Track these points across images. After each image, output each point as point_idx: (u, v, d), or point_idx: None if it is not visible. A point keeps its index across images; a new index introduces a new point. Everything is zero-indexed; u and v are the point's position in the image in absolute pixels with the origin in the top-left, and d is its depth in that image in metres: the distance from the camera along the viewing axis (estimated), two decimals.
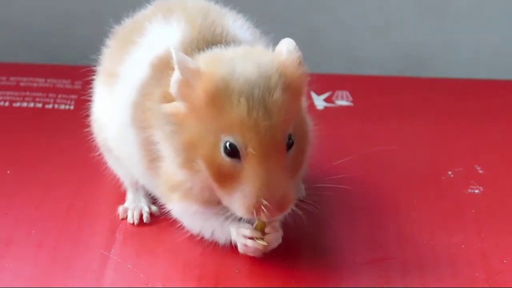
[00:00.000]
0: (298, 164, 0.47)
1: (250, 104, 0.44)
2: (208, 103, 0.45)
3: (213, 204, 0.48)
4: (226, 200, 0.46)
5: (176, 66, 0.45)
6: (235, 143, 0.44)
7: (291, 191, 0.45)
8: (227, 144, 0.44)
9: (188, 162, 0.46)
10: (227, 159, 0.45)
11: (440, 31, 0.81)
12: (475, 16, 0.79)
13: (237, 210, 0.46)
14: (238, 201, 0.45)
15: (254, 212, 0.45)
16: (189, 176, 0.47)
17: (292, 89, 0.46)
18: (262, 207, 0.44)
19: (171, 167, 0.48)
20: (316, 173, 0.52)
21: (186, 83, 0.45)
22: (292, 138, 0.46)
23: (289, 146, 0.45)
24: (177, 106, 0.46)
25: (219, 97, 0.44)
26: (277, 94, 0.44)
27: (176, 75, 0.46)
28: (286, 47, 0.47)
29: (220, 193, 0.46)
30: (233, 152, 0.44)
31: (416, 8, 0.81)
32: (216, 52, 0.48)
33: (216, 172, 0.45)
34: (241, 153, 0.44)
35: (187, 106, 0.46)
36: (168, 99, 0.47)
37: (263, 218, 0.45)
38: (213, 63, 0.46)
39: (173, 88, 0.46)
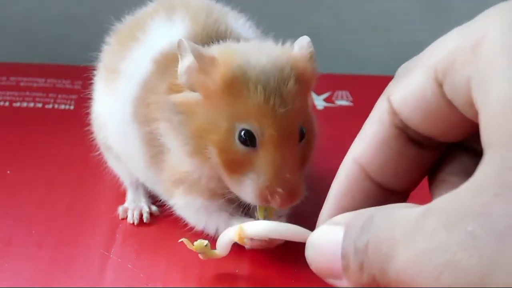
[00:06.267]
0: (306, 158, 0.47)
1: (267, 92, 0.44)
2: (225, 90, 0.45)
3: (218, 197, 0.48)
4: (235, 188, 0.46)
5: (188, 53, 0.45)
6: (252, 130, 0.44)
7: (301, 181, 0.45)
8: (242, 133, 0.44)
9: (198, 149, 0.46)
10: (240, 147, 0.45)
11: (440, 31, 0.80)
12: (475, 16, 0.79)
13: (247, 196, 0.45)
14: (249, 187, 0.45)
15: (268, 197, 0.44)
16: (198, 165, 0.47)
17: (302, 82, 0.46)
18: (275, 193, 0.44)
19: (177, 158, 0.48)
20: (316, 173, 0.52)
21: (201, 70, 0.45)
22: (304, 130, 0.46)
23: (301, 137, 0.46)
24: (187, 96, 0.46)
25: (236, 84, 0.44)
26: (291, 85, 0.45)
27: (185, 64, 0.45)
28: (298, 42, 0.47)
29: (229, 181, 0.46)
30: (247, 139, 0.44)
31: (416, 8, 0.81)
32: (227, 44, 0.48)
33: (228, 159, 0.45)
34: (257, 140, 0.44)
35: (201, 93, 0.46)
36: (174, 90, 0.47)
37: (275, 205, 0.45)
38: (227, 53, 0.46)
39: (182, 77, 0.46)
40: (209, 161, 0.46)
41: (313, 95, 0.69)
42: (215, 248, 0.46)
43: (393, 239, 0.31)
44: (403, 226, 0.31)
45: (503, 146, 0.29)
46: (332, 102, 0.70)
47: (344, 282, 0.34)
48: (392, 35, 0.81)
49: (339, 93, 0.71)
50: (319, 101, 0.70)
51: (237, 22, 0.53)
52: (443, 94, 0.33)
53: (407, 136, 0.36)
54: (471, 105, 0.31)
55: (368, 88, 0.72)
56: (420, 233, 0.30)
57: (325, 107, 0.69)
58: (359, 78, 0.74)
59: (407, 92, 0.35)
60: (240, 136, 0.45)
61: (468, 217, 0.29)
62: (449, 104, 0.33)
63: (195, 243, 0.46)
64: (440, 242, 0.29)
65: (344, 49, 0.81)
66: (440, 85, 0.33)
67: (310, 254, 0.36)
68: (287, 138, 0.45)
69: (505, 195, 0.28)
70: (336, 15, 0.81)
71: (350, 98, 0.70)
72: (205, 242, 0.46)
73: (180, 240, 0.46)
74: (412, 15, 0.81)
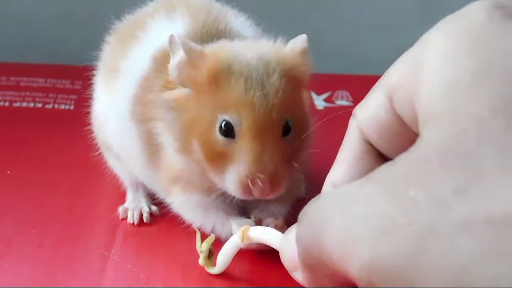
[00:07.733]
0: (295, 154, 0.47)
1: (248, 84, 0.45)
2: (211, 82, 0.45)
3: (214, 193, 0.48)
4: (218, 181, 0.46)
5: (179, 48, 0.46)
6: (231, 121, 0.45)
7: (283, 172, 0.45)
8: (223, 124, 0.45)
9: (184, 145, 0.47)
10: (221, 138, 0.45)
11: None
12: None
13: (229, 187, 0.46)
14: (230, 177, 0.45)
15: (249, 185, 0.44)
16: (186, 161, 0.48)
17: (291, 76, 0.46)
18: (255, 181, 0.44)
19: (171, 156, 0.48)
20: (316, 173, 0.52)
21: (190, 64, 0.46)
22: (290, 124, 0.46)
23: (287, 131, 0.46)
24: (178, 92, 0.47)
25: (221, 76, 0.45)
26: (275, 78, 0.45)
27: (176, 59, 0.46)
28: (293, 40, 0.48)
29: (213, 175, 0.46)
30: (228, 131, 0.45)
31: (416, 8, 0.81)
32: (220, 43, 0.49)
33: (209, 151, 0.45)
34: (235, 131, 0.45)
35: (191, 88, 0.46)
36: (168, 87, 0.48)
37: (256, 193, 0.45)
38: (217, 49, 0.47)
39: (173, 72, 0.46)
40: (193, 155, 0.46)
41: (313, 95, 0.69)
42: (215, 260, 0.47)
43: (329, 210, 0.30)
44: (340, 196, 0.30)
45: (443, 121, 0.29)
46: (332, 102, 0.70)
47: (298, 272, 0.34)
48: (392, 35, 0.81)
49: (339, 93, 0.71)
50: (319, 101, 0.70)
51: (237, 20, 0.53)
52: (394, 111, 0.33)
53: (378, 152, 0.36)
54: (417, 118, 0.31)
55: (368, 88, 0.71)
56: (356, 200, 0.29)
57: (325, 107, 0.69)
58: (359, 78, 0.74)
59: (368, 112, 0.35)
60: (220, 127, 0.45)
61: (410, 183, 0.28)
62: (400, 120, 0.33)
63: (203, 244, 0.47)
64: (378, 207, 0.28)
65: (344, 49, 0.81)
66: (391, 102, 0.33)
67: (281, 252, 0.37)
68: (267, 129, 0.45)
69: (449, 164, 0.27)
70: (336, 15, 0.81)
71: (350, 98, 0.70)
72: (213, 237, 0.47)
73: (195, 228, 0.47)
74: (411, 15, 0.81)
